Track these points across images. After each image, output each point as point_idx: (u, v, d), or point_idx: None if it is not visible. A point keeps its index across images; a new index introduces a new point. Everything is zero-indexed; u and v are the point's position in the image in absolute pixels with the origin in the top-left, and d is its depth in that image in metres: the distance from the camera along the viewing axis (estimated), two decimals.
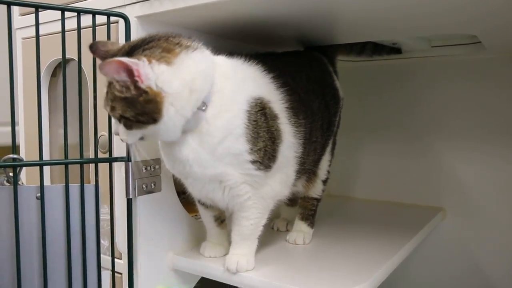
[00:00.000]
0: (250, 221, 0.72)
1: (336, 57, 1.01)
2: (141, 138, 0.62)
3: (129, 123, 0.58)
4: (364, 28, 0.87)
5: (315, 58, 0.94)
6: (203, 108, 0.61)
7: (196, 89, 0.59)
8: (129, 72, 0.54)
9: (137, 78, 0.55)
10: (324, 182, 0.91)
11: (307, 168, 0.81)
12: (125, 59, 0.54)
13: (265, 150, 0.66)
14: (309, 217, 0.90)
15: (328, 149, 0.90)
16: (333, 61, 0.98)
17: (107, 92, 0.58)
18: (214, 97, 0.62)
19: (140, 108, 0.56)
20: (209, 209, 0.78)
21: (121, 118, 0.58)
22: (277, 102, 0.70)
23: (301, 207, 0.91)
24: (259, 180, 0.69)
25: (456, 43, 1.07)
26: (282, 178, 0.73)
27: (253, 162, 0.66)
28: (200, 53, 0.61)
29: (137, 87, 0.55)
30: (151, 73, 0.55)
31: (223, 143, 0.63)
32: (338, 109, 0.92)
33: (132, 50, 0.59)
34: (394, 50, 1.10)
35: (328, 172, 0.92)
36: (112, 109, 0.58)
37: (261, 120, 0.65)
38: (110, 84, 0.58)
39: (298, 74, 0.81)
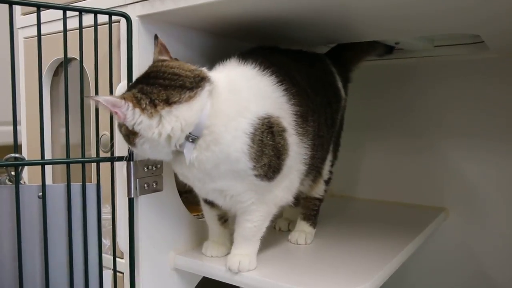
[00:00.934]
0: (254, 224, 0.72)
1: (351, 65, 1.01)
2: None
3: None
4: (370, 27, 0.86)
5: (318, 57, 0.94)
6: (191, 140, 0.62)
7: (175, 136, 0.62)
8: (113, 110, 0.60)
9: (117, 116, 0.60)
10: (327, 182, 0.91)
11: (315, 165, 0.81)
12: (109, 102, 0.59)
13: (269, 165, 0.66)
14: (311, 217, 0.90)
15: (331, 148, 0.90)
16: (342, 66, 0.97)
17: None
18: (205, 131, 0.63)
19: (122, 132, 0.63)
20: (213, 208, 0.78)
21: None
22: (287, 116, 0.69)
23: (303, 207, 0.90)
24: (264, 188, 0.69)
25: (459, 42, 1.07)
26: (286, 185, 0.73)
27: (257, 176, 0.66)
28: (188, 105, 0.61)
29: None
30: (131, 117, 0.60)
31: (218, 167, 0.64)
32: (340, 108, 0.92)
33: (140, 80, 0.64)
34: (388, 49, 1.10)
35: (331, 172, 0.92)
36: None
37: (267, 139, 0.65)
38: None
39: (304, 71, 0.81)
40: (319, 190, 0.89)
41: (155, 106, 0.60)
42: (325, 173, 0.90)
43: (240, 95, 0.66)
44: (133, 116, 0.60)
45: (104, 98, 0.59)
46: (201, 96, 0.62)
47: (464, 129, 1.15)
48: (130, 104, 0.59)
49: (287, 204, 0.78)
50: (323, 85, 0.86)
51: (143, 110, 0.60)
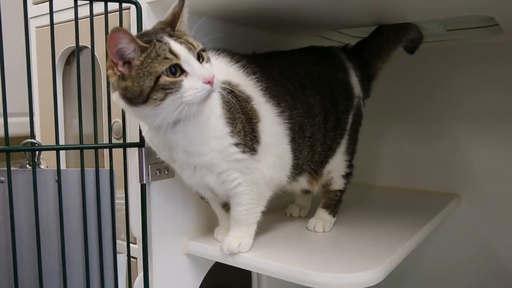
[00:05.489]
0: (243, 207, 0.72)
1: (376, 60, 0.98)
2: None
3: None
4: (380, 11, 0.85)
5: (327, 54, 0.90)
6: None
7: None
8: None
9: None
10: (345, 176, 0.88)
11: (303, 166, 0.78)
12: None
13: (244, 131, 0.67)
14: (331, 206, 0.88)
15: (341, 149, 0.86)
16: (365, 61, 0.94)
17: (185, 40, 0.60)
18: None
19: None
20: (216, 195, 0.76)
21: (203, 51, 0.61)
22: (248, 85, 0.70)
23: (324, 197, 0.88)
24: (248, 165, 0.68)
25: (473, 26, 1.05)
26: (275, 161, 0.71)
27: (237, 144, 0.66)
28: None
29: None
30: None
31: (207, 124, 0.64)
32: (351, 106, 0.87)
33: None
34: None
35: (349, 166, 0.88)
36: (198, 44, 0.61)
37: (233, 102, 0.66)
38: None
39: (293, 69, 0.80)
40: (337, 184, 0.87)
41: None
42: (340, 171, 0.87)
43: None
44: None
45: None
46: None
47: (477, 115, 1.13)
48: None
49: (285, 187, 0.77)
50: (328, 83, 0.83)
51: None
